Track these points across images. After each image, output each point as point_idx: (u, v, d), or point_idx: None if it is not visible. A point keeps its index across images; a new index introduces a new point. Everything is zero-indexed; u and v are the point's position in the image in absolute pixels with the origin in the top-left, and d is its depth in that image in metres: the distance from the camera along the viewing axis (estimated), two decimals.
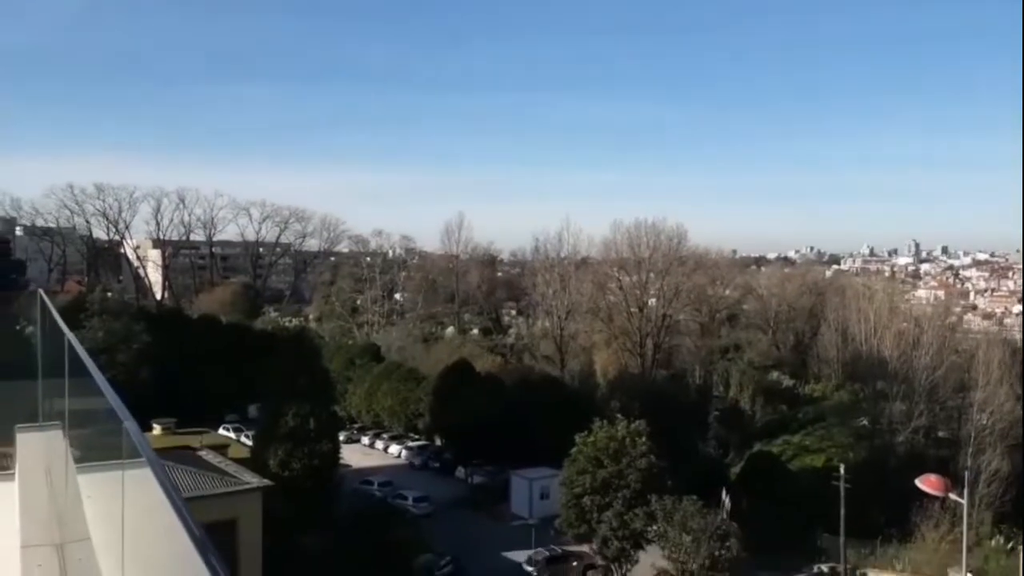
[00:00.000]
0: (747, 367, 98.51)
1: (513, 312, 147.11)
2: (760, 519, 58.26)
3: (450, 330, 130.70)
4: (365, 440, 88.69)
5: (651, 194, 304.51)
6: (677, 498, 53.30)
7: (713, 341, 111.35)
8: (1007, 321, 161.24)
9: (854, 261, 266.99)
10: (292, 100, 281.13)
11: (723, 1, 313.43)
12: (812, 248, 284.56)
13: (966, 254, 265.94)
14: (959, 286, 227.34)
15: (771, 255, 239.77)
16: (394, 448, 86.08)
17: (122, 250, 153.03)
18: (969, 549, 47.46)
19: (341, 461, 63.49)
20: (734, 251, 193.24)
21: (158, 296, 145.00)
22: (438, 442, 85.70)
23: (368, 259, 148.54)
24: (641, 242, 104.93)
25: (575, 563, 57.67)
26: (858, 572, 60.91)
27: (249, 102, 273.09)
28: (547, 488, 65.66)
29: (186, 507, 3.35)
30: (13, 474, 11.21)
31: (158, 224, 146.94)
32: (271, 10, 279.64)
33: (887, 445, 77.21)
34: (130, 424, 4.52)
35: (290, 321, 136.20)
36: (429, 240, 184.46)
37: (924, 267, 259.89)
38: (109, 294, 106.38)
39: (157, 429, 63.02)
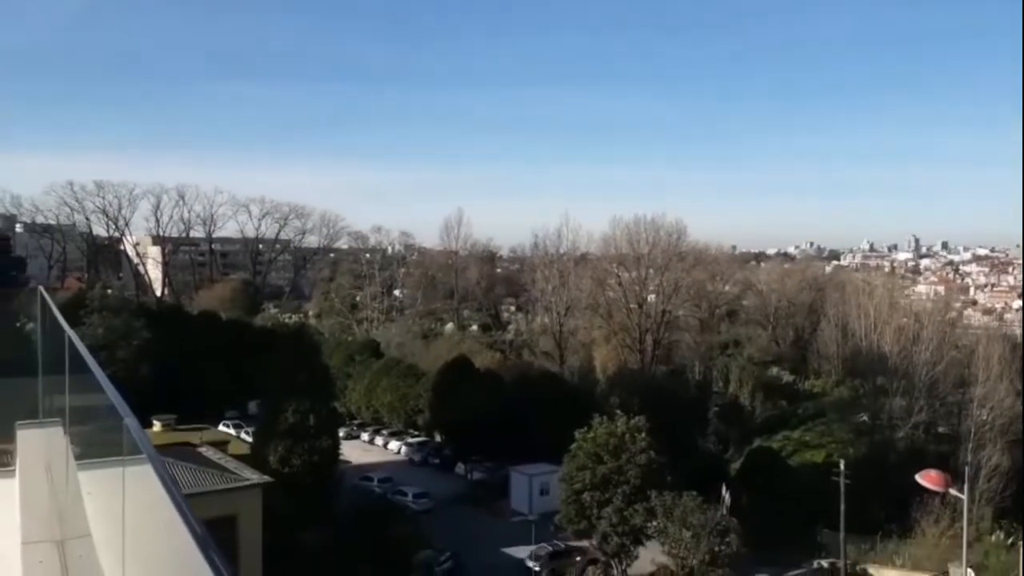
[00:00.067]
0: (747, 363, 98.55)
1: (512, 308, 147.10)
2: (760, 515, 58.24)
3: (449, 326, 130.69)
4: (365, 436, 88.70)
5: (650, 190, 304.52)
6: (677, 494, 53.31)
7: (713, 337, 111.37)
8: (1007, 316, 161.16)
9: (854, 257, 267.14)
10: (292, 97, 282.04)
11: None
12: (812, 244, 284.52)
13: (966, 249, 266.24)
14: (959, 281, 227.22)
15: (771, 251, 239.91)
16: (394, 444, 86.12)
17: (122, 247, 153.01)
18: (969, 544, 47.50)
19: (341, 457, 63.49)
20: (734, 247, 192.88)
21: (158, 293, 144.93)
22: (438, 438, 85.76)
23: (367, 255, 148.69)
24: (640, 238, 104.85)
25: (578, 558, 57.72)
26: (858, 568, 60.87)
27: (249, 99, 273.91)
28: (547, 484, 65.61)
29: (186, 503, 3.35)
30: (14, 471, 11.20)
31: (158, 221, 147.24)
32: (271, 8, 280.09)
33: (887, 441, 77.29)
34: (130, 421, 4.52)
35: (290, 317, 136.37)
36: (428, 236, 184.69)
37: (924, 262, 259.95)
38: (109, 291, 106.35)
39: (157, 426, 63.09)
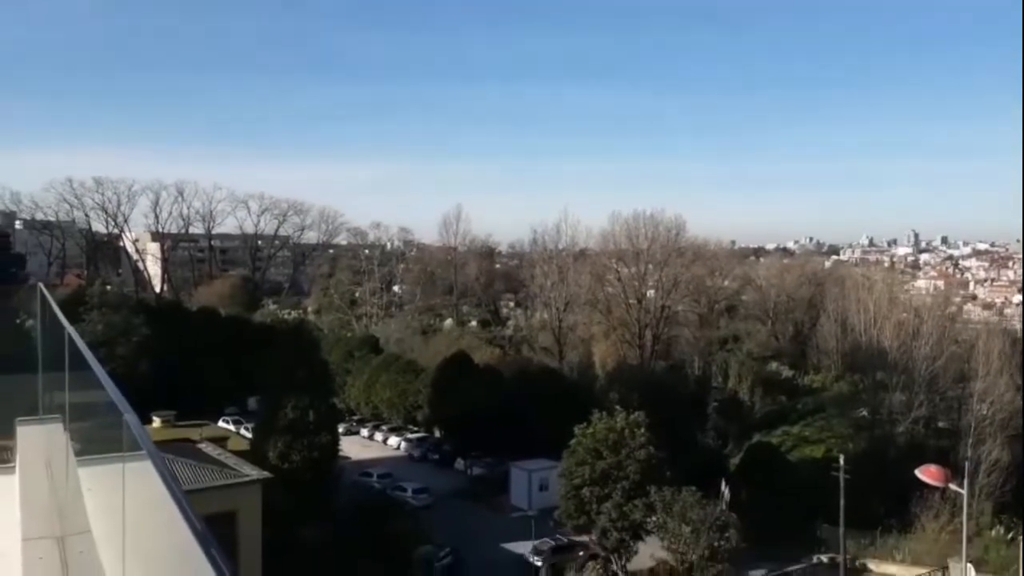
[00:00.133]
0: (746, 358, 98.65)
1: (511, 304, 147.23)
2: (759, 510, 58.32)
3: (448, 322, 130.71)
4: (364, 432, 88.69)
5: (649, 185, 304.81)
6: (676, 489, 53.33)
7: (712, 332, 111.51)
8: (1007, 311, 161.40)
9: (853, 251, 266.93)
10: (290, 92, 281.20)
11: None
12: (811, 239, 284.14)
13: (966, 244, 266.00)
14: (959, 276, 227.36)
15: (770, 246, 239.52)
16: (393, 440, 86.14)
17: (121, 243, 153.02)
18: (969, 539, 47.46)
19: (340, 453, 63.58)
20: (733, 242, 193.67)
21: (157, 289, 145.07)
22: (437, 434, 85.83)
23: (366, 251, 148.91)
24: (639, 233, 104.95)
25: (581, 553, 57.76)
26: (858, 563, 60.94)
27: (248, 94, 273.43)
28: (546, 479, 65.67)
29: (186, 499, 3.35)
30: (14, 467, 11.21)
31: (157, 217, 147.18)
32: (269, 3, 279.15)
33: (887, 435, 77.34)
34: (130, 417, 4.52)
35: (289, 313, 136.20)
36: (427, 232, 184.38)
37: (924, 257, 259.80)
38: (108, 287, 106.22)
39: (157, 422, 63.17)
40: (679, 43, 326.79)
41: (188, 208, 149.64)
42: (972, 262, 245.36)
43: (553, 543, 58.42)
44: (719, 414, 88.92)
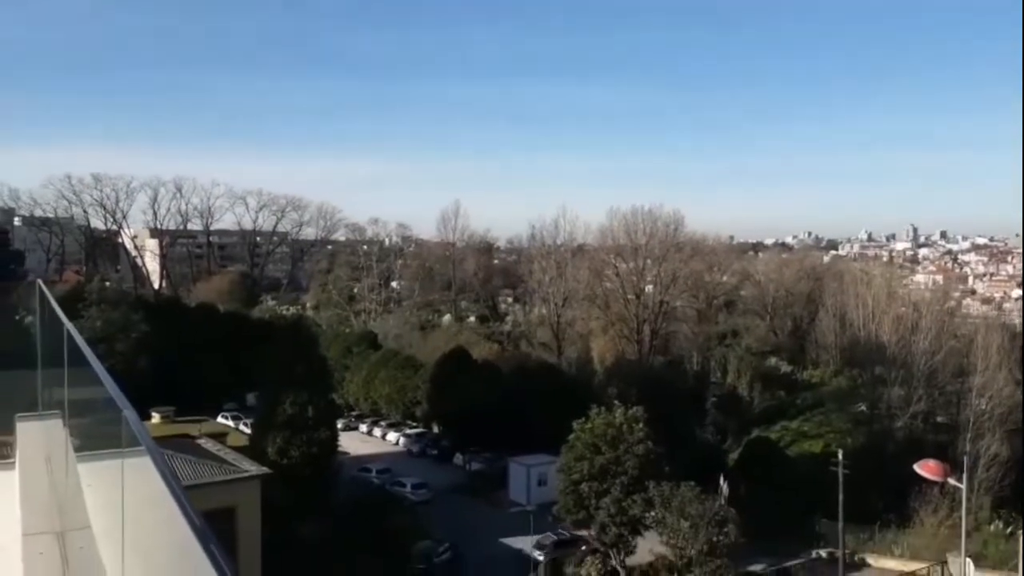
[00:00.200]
0: (745, 353, 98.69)
1: (510, 299, 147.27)
2: (758, 505, 58.37)
3: (447, 318, 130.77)
4: (363, 428, 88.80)
5: (648, 180, 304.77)
6: (675, 484, 53.33)
7: (710, 327, 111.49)
8: (1006, 306, 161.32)
9: (852, 246, 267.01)
10: (289, 89, 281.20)
11: None
12: (810, 234, 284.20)
13: (965, 238, 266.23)
14: (958, 271, 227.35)
15: (768, 241, 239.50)
16: (392, 435, 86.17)
17: (120, 240, 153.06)
18: (968, 534, 47.59)
19: (339, 449, 63.62)
20: (731, 237, 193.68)
21: (156, 285, 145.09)
22: (436, 429, 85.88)
23: (365, 247, 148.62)
24: (638, 228, 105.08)
25: (583, 547, 57.80)
26: (857, 557, 61.04)
27: (247, 92, 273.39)
28: (545, 475, 65.73)
29: (185, 495, 3.36)
30: (13, 463, 11.23)
31: (155, 213, 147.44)
32: (269, 1, 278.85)
33: (886, 430, 77.36)
34: (129, 413, 4.52)
35: (287, 309, 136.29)
36: (426, 228, 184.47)
37: (922, 252, 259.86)
38: (107, 284, 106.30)
39: (156, 418, 63.12)
40: (678, 39, 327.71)
41: (186, 204, 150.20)
42: (971, 256, 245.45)
43: (555, 538, 58.53)
44: (718, 409, 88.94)
